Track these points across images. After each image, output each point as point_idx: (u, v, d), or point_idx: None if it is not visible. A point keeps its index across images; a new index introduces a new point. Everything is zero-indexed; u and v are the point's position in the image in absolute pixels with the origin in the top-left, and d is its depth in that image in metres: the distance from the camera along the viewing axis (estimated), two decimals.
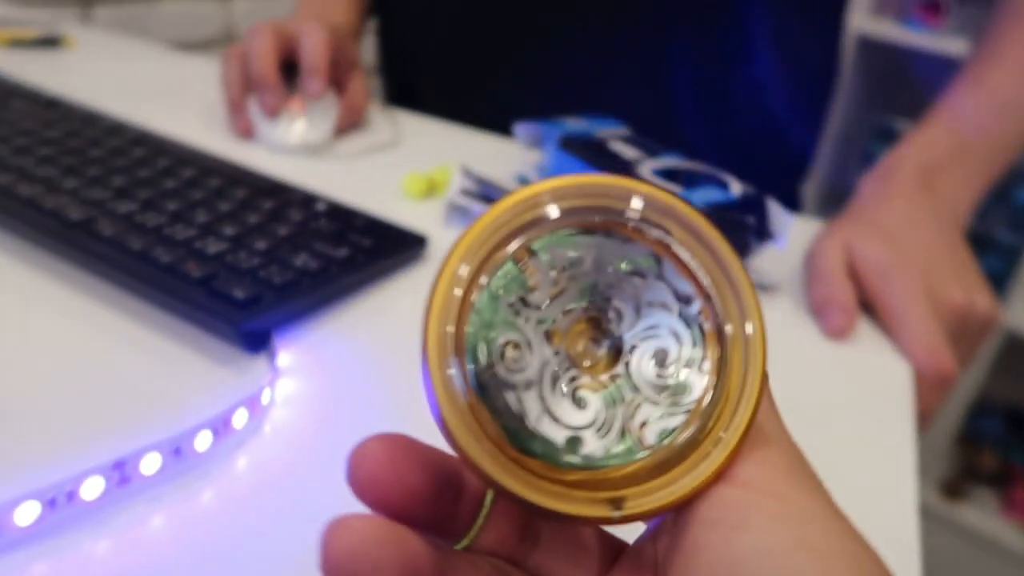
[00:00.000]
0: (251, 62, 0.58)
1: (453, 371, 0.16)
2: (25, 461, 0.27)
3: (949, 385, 0.43)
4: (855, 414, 0.38)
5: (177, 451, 0.27)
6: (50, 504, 0.24)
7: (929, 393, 0.42)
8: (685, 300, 0.17)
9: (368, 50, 0.87)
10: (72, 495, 0.25)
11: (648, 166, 0.47)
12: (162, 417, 0.30)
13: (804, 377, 0.40)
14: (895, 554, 0.29)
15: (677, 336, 0.17)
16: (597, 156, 0.48)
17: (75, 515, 0.25)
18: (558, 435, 0.17)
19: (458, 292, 0.17)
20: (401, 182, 0.54)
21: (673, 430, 0.17)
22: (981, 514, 1.50)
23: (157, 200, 0.42)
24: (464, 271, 0.17)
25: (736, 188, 0.46)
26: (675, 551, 0.16)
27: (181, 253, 0.37)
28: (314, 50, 0.58)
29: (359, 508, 0.17)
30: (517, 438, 0.16)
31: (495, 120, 0.65)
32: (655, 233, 0.17)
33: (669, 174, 0.47)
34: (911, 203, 0.50)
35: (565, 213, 0.17)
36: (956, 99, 0.56)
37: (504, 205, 0.17)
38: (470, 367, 0.16)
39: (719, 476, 0.16)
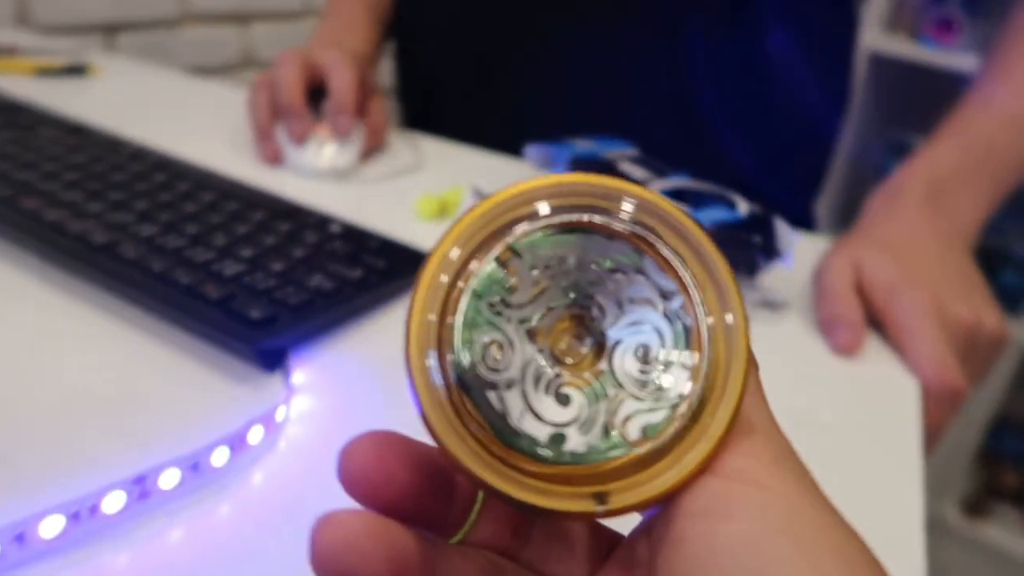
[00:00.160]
0: (279, 91, 0.59)
1: (431, 362, 0.17)
2: (50, 476, 0.28)
3: (957, 401, 0.43)
4: (863, 430, 0.38)
5: (195, 466, 0.28)
6: (74, 517, 0.25)
7: (937, 409, 0.42)
8: (667, 296, 0.17)
9: (384, 73, 0.88)
10: (95, 509, 0.26)
11: (656, 186, 0.48)
12: (181, 433, 0.31)
13: (813, 393, 0.41)
14: (902, 570, 0.29)
15: (660, 332, 0.17)
16: None
17: (97, 528, 0.26)
18: (541, 432, 0.17)
19: (444, 279, 0.17)
20: (415, 204, 0.55)
21: (657, 424, 0.17)
22: (1004, 532, 1.47)
23: (178, 223, 0.44)
24: (455, 254, 0.17)
25: (743, 208, 0.47)
26: (662, 543, 0.16)
27: (200, 275, 0.39)
28: (344, 87, 0.60)
29: None
30: (501, 435, 0.16)
31: (513, 139, 0.66)
32: (638, 230, 0.17)
33: (677, 194, 0.48)
34: (919, 220, 0.50)
35: (555, 210, 0.17)
36: (964, 115, 0.56)
37: (498, 199, 0.17)
38: (451, 359, 0.17)
39: (704, 468, 0.16)
